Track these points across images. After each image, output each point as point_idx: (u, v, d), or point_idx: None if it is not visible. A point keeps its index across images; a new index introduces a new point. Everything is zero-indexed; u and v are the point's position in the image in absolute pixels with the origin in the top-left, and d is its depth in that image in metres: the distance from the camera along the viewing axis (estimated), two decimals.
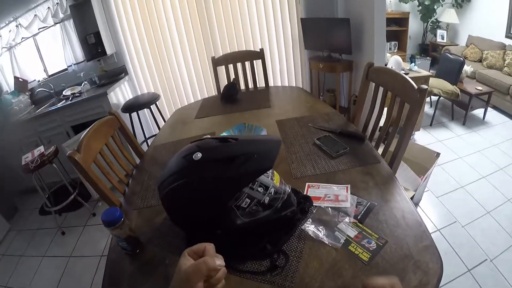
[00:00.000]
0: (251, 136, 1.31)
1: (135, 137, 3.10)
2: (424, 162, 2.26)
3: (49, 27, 3.39)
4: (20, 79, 3.51)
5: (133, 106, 2.99)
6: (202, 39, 3.43)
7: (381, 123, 1.64)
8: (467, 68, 4.21)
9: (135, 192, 1.33)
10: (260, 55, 2.53)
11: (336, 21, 3.08)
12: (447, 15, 5.48)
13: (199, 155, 0.79)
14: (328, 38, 3.12)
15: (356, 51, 3.01)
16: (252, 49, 3.39)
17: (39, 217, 3.16)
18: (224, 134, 1.53)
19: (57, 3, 3.21)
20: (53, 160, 2.63)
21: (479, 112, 4.13)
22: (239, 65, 2.55)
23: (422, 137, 3.59)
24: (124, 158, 1.60)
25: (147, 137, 3.29)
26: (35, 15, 3.32)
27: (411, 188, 2.11)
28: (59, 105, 3.12)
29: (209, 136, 0.90)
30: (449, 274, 1.93)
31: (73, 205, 2.91)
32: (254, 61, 2.55)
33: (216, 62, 2.54)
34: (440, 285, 0.78)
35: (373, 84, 1.65)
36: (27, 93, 3.53)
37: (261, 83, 2.61)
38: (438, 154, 2.34)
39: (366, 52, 2.95)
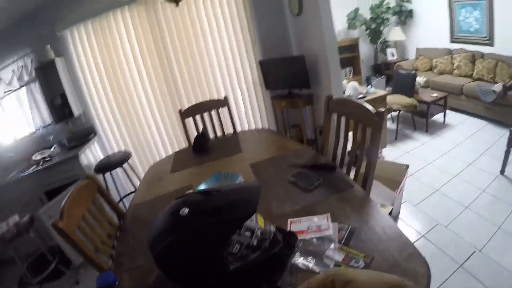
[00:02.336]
0: (232, 186, 1.39)
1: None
2: (395, 177, 2.38)
3: (15, 90, 3.33)
4: None
5: (105, 167, 2.94)
6: (167, 93, 3.50)
7: (348, 148, 1.74)
8: (420, 79, 4.47)
9: (122, 253, 1.33)
10: (224, 102, 2.63)
11: (292, 59, 3.24)
12: (393, 33, 5.86)
13: (186, 210, 0.83)
14: (286, 76, 3.27)
15: (314, 84, 3.15)
16: (216, 96, 3.50)
17: None
18: (203, 186, 1.58)
19: (22, 66, 3.21)
20: (29, 228, 2.54)
21: (439, 117, 4.37)
22: (205, 114, 2.63)
23: (390, 153, 3.73)
24: (106, 221, 1.59)
25: (122, 196, 3.23)
26: (0, 78, 3.28)
27: (388, 203, 2.20)
28: (30, 171, 3.04)
29: (192, 191, 0.96)
30: (442, 274, 1.99)
31: (55, 275, 2.74)
32: (220, 108, 2.64)
33: (184, 114, 2.59)
34: (436, 286, 0.85)
35: (335, 115, 1.77)
36: None
37: (229, 129, 2.68)
38: (407, 166, 2.47)
39: (324, 83, 3.08)
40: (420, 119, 4.29)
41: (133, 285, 1.11)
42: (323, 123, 1.85)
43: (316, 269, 0.95)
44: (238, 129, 2.76)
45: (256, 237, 0.89)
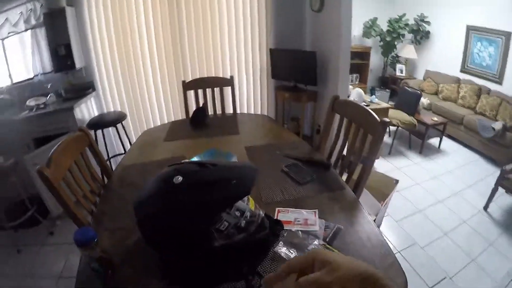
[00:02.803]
0: (229, 163, 1.36)
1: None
2: (384, 189, 2.39)
3: (20, 32, 3.24)
4: None
5: (98, 124, 2.91)
6: (173, 62, 3.45)
7: (344, 152, 1.74)
8: (424, 100, 4.51)
9: (104, 212, 1.31)
10: (230, 82, 2.61)
11: (304, 54, 3.22)
12: (406, 50, 5.88)
13: (180, 179, 0.82)
14: (295, 69, 3.26)
15: (321, 83, 3.16)
16: (221, 74, 3.47)
17: None
18: (195, 159, 1.56)
19: (31, 9, 3.11)
20: (12, 172, 2.52)
21: (435, 141, 4.42)
22: (208, 90, 2.60)
23: (381, 165, 3.77)
24: (92, 177, 1.57)
25: (110, 156, 3.21)
26: (6, 18, 3.16)
27: (371, 213, 2.22)
28: (22, 115, 2.97)
29: (187, 160, 0.94)
30: None
31: (31, 222, 2.73)
32: (224, 87, 2.62)
33: (186, 86, 2.56)
34: None
35: (338, 116, 1.78)
36: None
37: (228, 110, 2.67)
38: (397, 181, 2.48)
39: (331, 84, 3.09)
40: (416, 139, 4.32)
41: (111, 245, 1.09)
42: (325, 121, 1.85)
43: None
44: (238, 111, 2.73)
45: (245, 219, 0.88)
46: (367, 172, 1.47)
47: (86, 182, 1.52)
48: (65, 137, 2.69)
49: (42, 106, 3.05)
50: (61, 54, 3.13)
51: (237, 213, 0.88)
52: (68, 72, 3.29)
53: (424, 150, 4.19)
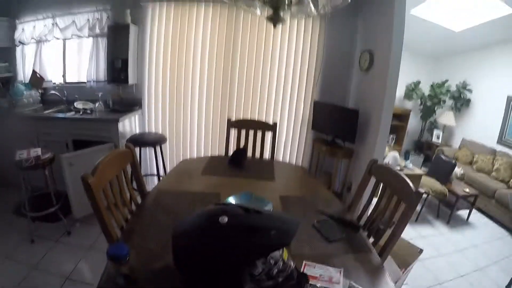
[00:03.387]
0: (272, 212, 1.44)
1: None
2: (407, 256, 2.34)
3: (83, 37, 3.51)
4: (37, 75, 3.51)
5: (138, 141, 3.03)
6: (220, 98, 3.60)
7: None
8: (457, 170, 4.42)
9: (134, 230, 1.37)
10: (273, 128, 2.68)
11: (346, 111, 3.28)
12: (445, 117, 5.83)
13: (226, 219, 0.85)
14: (335, 124, 3.30)
15: (359, 141, 3.18)
16: (264, 117, 3.60)
17: (11, 215, 3.02)
18: (231, 199, 1.63)
19: (98, 18, 3.38)
20: (47, 166, 2.63)
21: (463, 212, 4.27)
22: (250, 132, 2.68)
23: (406, 232, 3.54)
24: (128, 193, 1.64)
25: (142, 174, 3.30)
26: (73, 21, 3.44)
27: (391, 280, 2.14)
28: (68, 115, 3.14)
29: (234, 202, 0.97)
30: None
31: (51, 217, 2.79)
32: (266, 132, 2.70)
33: (231, 124, 2.66)
34: None
35: (374, 179, 1.80)
36: (39, 91, 3.54)
37: (265, 153, 2.74)
38: (421, 251, 2.42)
39: (369, 143, 3.10)
40: (445, 209, 4.21)
41: (139, 265, 1.11)
42: (360, 183, 1.88)
43: None
44: (276, 156, 2.77)
45: (277, 267, 0.91)
46: (395, 239, 1.48)
47: (121, 196, 1.58)
48: (107, 146, 2.82)
49: (89, 111, 3.21)
50: (117, 67, 3.35)
51: (271, 261, 0.89)
52: (120, 85, 3.49)
53: (451, 220, 4.06)
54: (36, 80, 3.52)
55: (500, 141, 5.14)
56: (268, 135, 2.69)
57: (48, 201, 2.75)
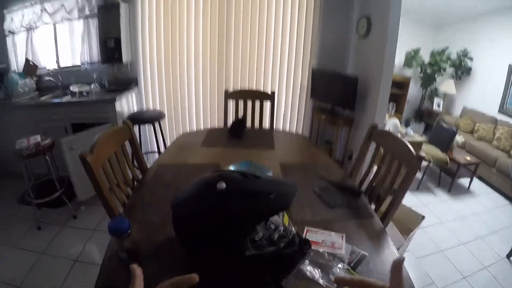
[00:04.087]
0: (270, 177, 1.41)
1: None
2: (409, 223, 2.35)
3: (73, 20, 3.42)
4: (31, 63, 3.45)
5: (137, 119, 3.00)
6: (216, 70, 3.55)
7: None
8: (459, 138, 4.40)
9: (136, 205, 1.36)
10: (271, 97, 2.64)
11: (345, 77, 3.23)
12: (445, 85, 5.76)
13: (223, 185, 0.84)
14: (334, 92, 3.26)
15: (358, 109, 3.16)
16: (262, 87, 3.55)
17: (16, 204, 3.05)
18: (231, 168, 1.60)
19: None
20: (47, 152, 2.63)
21: (465, 181, 4.29)
22: (249, 102, 2.64)
23: (408, 199, 3.68)
24: (128, 169, 1.63)
25: (143, 151, 3.30)
26: (62, 4, 3.35)
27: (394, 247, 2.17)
28: (64, 99, 3.10)
29: (232, 168, 0.96)
30: None
31: (56, 202, 2.83)
32: (264, 101, 2.66)
33: (229, 96, 2.62)
34: None
35: (374, 144, 1.79)
36: (34, 78, 3.48)
37: (265, 123, 2.72)
38: (423, 217, 2.44)
39: (368, 111, 3.08)
40: (446, 177, 4.23)
41: (139, 239, 1.11)
42: (360, 148, 1.86)
43: (321, 281, 0.97)
44: (274, 125, 2.75)
45: (278, 232, 0.91)
46: (397, 204, 1.47)
47: (122, 173, 1.57)
48: (106, 126, 2.81)
49: (85, 94, 3.18)
50: (110, 47, 3.29)
51: (272, 226, 0.89)
52: (114, 64, 3.44)
53: (453, 189, 4.08)
54: (30, 68, 3.47)
55: (502, 110, 5.10)
56: (267, 104, 2.67)
57: (51, 187, 2.78)
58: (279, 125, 3.77)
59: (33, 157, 2.53)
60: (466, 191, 4.18)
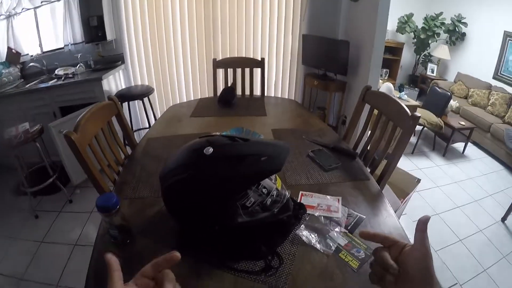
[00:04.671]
0: (260, 139, 1.36)
1: None
2: (405, 187, 2.35)
3: (53, 1, 3.26)
4: (13, 51, 3.30)
5: (125, 96, 2.93)
6: (204, 39, 3.41)
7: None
8: (453, 103, 4.38)
9: (126, 181, 1.30)
10: (260, 64, 2.55)
11: (336, 42, 3.15)
12: (439, 50, 5.70)
13: (210, 150, 0.80)
14: (326, 57, 3.19)
15: (351, 73, 3.10)
16: (251, 56, 3.42)
17: (12, 196, 2.99)
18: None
19: None
20: (37, 138, 2.55)
21: (459, 145, 4.31)
22: (238, 71, 2.56)
23: (403, 164, 3.68)
24: (117, 146, 1.59)
25: (134, 129, 3.24)
26: None
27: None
28: (50, 83, 2.99)
29: (218, 133, 0.92)
30: None
31: (50, 189, 2.77)
32: (254, 69, 2.57)
33: (217, 64, 2.53)
34: None
35: (367, 107, 1.74)
36: (18, 66, 3.34)
37: (256, 91, 2.63)
38: (419, 180, 2.43)
39: (361, 75, 3.02)
40: (441, 142, 4.23)
41: (130, 214, 1.08)
42: (354, 110, 1.81)
43: (318, 246, 0.94)
44: (266, 93, 2.69)
45: (271, 197, 0.87)
46: (393, 166, 1.44)
47: (111, 150, 1.53)
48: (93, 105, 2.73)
49: (70, 75, 3.10)
50: (93, 25, 3.18)
51: (264, 191, 0.86)
52: (99, 43, 3.33)
53: (447, 153, 4.11)
54: (13, 56, 3.33)
55: (496, 76, 5.09)
56: (257, 72, 2.59)
57: (45, 174, 2.73)
58: (270, 93, 3.68)
59: (23, 145, 2.46)
60: (461, 155, 4.21)
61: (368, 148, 1.69)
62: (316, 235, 0.98)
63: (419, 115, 1.35)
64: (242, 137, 0.87)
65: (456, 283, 2.16)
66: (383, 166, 1.48)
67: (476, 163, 4.07)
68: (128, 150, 1.71)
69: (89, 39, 3.26)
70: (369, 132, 1.72)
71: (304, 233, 0.98)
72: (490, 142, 4.31)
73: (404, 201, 2.30)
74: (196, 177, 0.80)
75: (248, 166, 0.79)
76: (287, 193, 0.94)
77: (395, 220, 1.09)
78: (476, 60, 5.46)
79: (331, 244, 0.95)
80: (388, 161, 1.46)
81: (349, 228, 1.03)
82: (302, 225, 1.02)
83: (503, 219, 2.93)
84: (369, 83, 2.83)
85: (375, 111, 1.68)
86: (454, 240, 2.60)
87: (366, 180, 1.32)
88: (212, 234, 0.86)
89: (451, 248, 2.50)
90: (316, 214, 1.07)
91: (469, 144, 4.31)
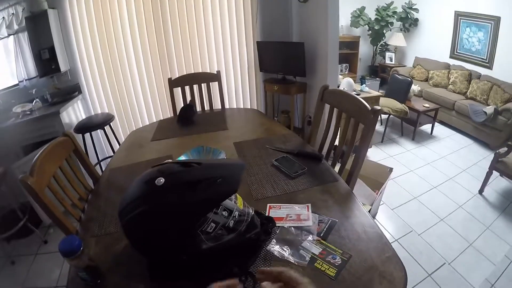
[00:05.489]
0: (214, 160, 1.31)
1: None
2: (378, 178, 2.38)
3: (2, 38, 3.14)
4: None
5: (86, 127, 2.85)
6: (159, 60, 3.36)
7: (336, 142, 1.71)
8: (415, 87, 4.49)
9: (92, 218, 1.25)
10: (216, 77, 2.53)
11: (291, 45, 3.17)
12: (395, 38, 5.86)
13: (162, 180, 0.78)
14: (283, 61, 3.21)
15: (310, 74, 3.12)
16: (208, 70, 3.40)
17: None
18: (183, 157, 1.52)
19: (13, 13, 3.01)
20: (1, 182, 2.44)
21: (427, 127, 4.41)
22: (195, 86, 2.53)
23: (374, 154, 3.75)
24: (79, 182, 1.52)
25: (100, 159, 3.15)
26: None
27: (367, 203, 2.20)
28: (8, 123, 2.91)
29: (171, 160, 0.90)
30: (411, 281, 1.97)
31: (23, 232, 2.64)
32: (211, 83, 2.55)
33: (173, 83, 2.49)
34: None
35: (328, 106, 1.74)
36: None
37: (216, 105, 2.61)
38: (391, 169, 2.47)
39: (320, 74, 3.06)
40: (408, 126, 4.32)
41: (99, 252, 1.04)
42: (315, 112, 1.81)
43: (291, 259, 0.91)
44: (226, 105, 2.67)
45: (233, 218, 0.85)
46: (360, 162, 1.43)
47: (73, 189, 1.47)
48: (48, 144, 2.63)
49: (28, 112, 2.97)
50: (45, 58, 3.06)
51: (225, 213, 0.84)
52: (53, 76, 3.21)
53: (416, 136, 4.19)
54: None
55: (453, 55, 5.26)
56: (215, 85, 2.55)
57: (15, 217, 2.59)
58: (232, 104, 3.65)
59: None
60: (430, 136, 4.31)
61: (335, 146, 1.70)
62: (288, 248, 0.95)
63: (378, 108, 1.35)
64: (196, 160, 0.84)
65: (444, 263, 2.18)
66: (351, 163, 1.49)
67: (446, 141, 4.17)
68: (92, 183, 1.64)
69: (43, 73, 3.13)
70: (333, 130, 1.72)
71: (276, 248, 0.95)
72: (456, 119, 4.43)
73: (380, 192, 2.33)
74: (151, 210, 0.77)
75: (203, 191, 0.76)
76: (250, 211, 0.92)
77: (369, 219, 1.08)
78: (431, 43, 5.63)
79: (305, 255, 0.92)
80: (354, 157, 1.46)
81: (321, 235, 1.00)
82: (274, 240, 0.99)
83: (480, 191, 3.00)
84: (328, 80, 2.87)
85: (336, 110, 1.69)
86: (436, 220, 2.64)
87: (334, 182, 1.31)
88: (180, 263, 0.83)
89: (435, 229, 2.53)
90: (286, 225, 1.04)
91: (436, 124, 4.42)
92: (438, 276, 2.08)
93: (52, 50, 3.03)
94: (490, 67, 4.63)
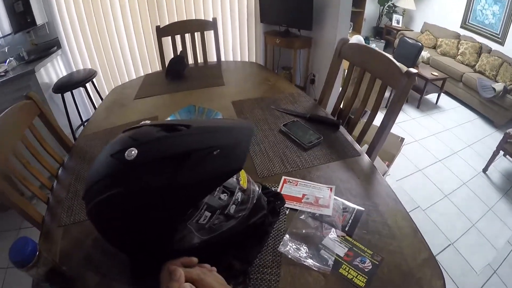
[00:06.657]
0: (209, 122, 0.97)
1: (70, 122, 2.67)
2: (390, 148, 2.21)
3: None
4: None
5: (66, 85, 2.57)
6: (146, 5, 2.97)
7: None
8: (424, 54, 4.27)
9: (60, 200, 0.98)
10: (212, 25, 2.20)
11: None
12: (404, 1, 5.53)
13: (134, 152, 0.52)
14: (286, 12, 2.89)
15: (317, 27, 2.82)
16: (203, 17, 3.05)
17: None
18: (170, 118, 1.26)
19: None
20: None
21: (432, 96, 4.26)
22: (187, 36, 2.21)
23: (378, 119, 3.53)
24: (48, 156, 1.23)
25: (83, 120, 2.88)
26: None
27: None
28: None
29: (149, 122, 0.62)
30: None
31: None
32: (205, 32, 2.23)
33: (161, 32, 2.16)
34: None
35: (346, 63, 1.46)
36: None
37: (211, 57, 2.32)
38: (402, 139, 2.33)
39: (328, 28, 2.75)
40: (414, 94, 4.13)
41: (66, 248, 0.81)
42: (329, 69, 1.52)
43: (310, 262, 0.68)
44: (222, 58, 2.36)
45: (235, 202, 0.61)
46: (386, 133, 1.20)
47: (41, 164, 1.19)
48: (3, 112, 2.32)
49: (3, 73, 2.67)
50: (19, 11, 2.73)
51: (224, 196, 0.61)
52: (30, 30, 2.89)
53: (421, 105, 4.04)
54: None
55: (464, 25, 5.00)
56: (210, 35, 2.24)
57: None
58: (228, 57, 3.31)
59: None
60: (435, 106, 4.15)
61: (350, 113, 1.46)
62: (306, 247, 0.72)
63: (415, 71, 1.09)
64: (184, 122, 0.58)
65: (450, 244, 2.11)
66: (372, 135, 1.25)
67: (450, 113, 4.04)
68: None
69: (18, 28, 2.78)
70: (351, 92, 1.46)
71: (290, 247, 0.72)
72: (462, 92, 4.26)
73: (391, 164, 2.13)
74: (120, 195, 0.52)
75: (193, 168, 0.51)
76: (256, 188, 0.69)
77: (402, 208, 0.86)
78: (442, 10, 5.33)
79: (327, 257, 0.70)
80: (378, 129, 1.22)
81: (346, 229, 0.77)
82: (286, 235, 0.75)
83: (484, 170, 2.93)
84: (338, 36, 2.59)
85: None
86: (440, 196, 2.57)
87: (356, 156, 1.05)
88: (166, 259, 0.60)
89: (439, 206, 2.46)
90: (302, 216, 0.80)
91: (442, 94, 4.25)
92: (442, 257, 2.01)
93: (26, 2, 2.72)
94: (502, 43, 4.39)
